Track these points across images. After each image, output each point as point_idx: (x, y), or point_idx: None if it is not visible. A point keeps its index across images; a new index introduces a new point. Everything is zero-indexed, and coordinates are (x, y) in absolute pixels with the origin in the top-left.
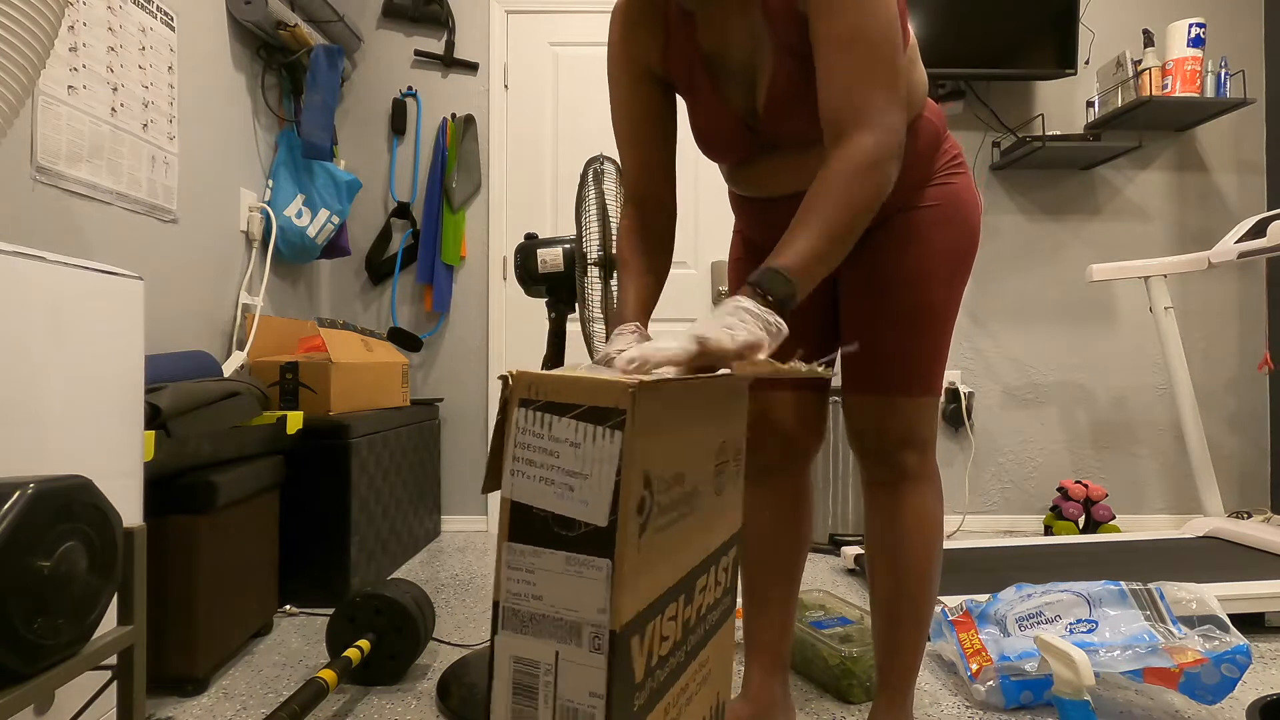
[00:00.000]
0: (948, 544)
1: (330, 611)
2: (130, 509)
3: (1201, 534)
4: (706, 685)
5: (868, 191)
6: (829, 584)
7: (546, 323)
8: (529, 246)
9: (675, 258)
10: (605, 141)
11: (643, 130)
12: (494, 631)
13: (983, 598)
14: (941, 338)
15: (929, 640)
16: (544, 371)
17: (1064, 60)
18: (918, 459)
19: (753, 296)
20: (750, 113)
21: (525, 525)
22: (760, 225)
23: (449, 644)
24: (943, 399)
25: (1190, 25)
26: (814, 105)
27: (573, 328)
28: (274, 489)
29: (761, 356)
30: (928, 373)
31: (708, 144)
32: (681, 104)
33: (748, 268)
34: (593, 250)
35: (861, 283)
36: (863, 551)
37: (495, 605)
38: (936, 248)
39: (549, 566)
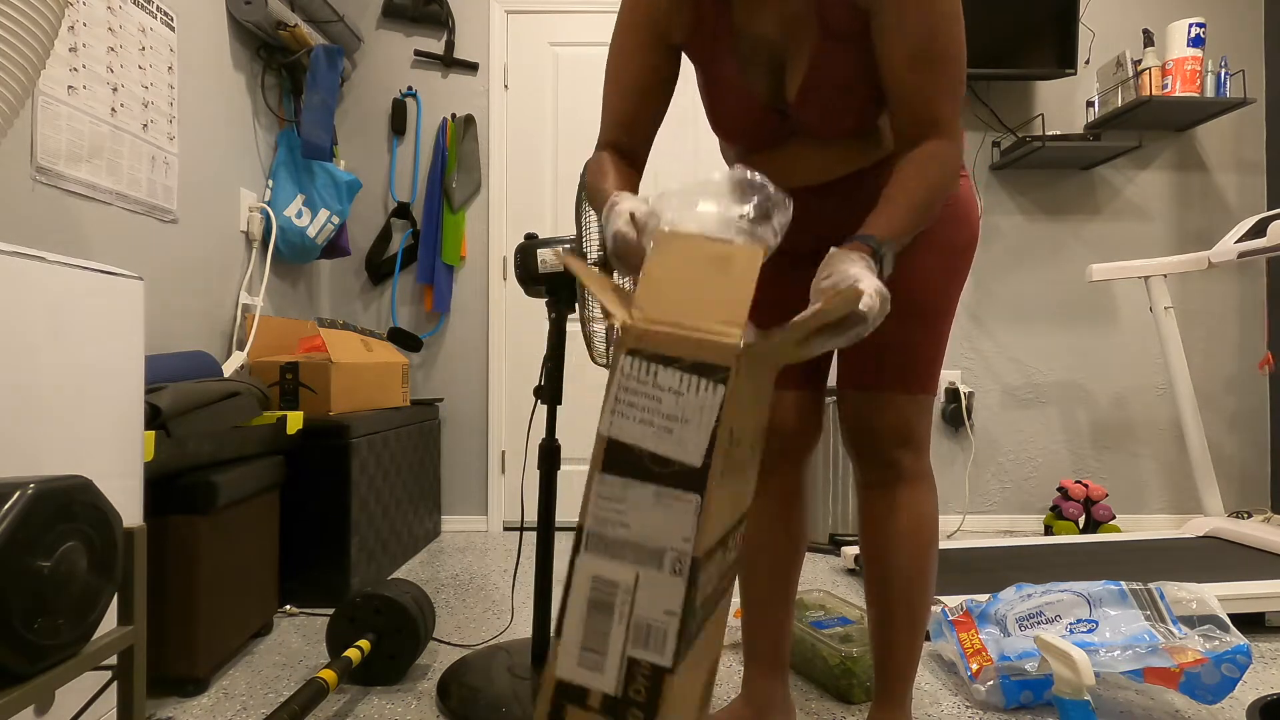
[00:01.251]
0: (948, 544)
1: (330, 611)
2: (130, 509)
3: (1201, 534)
4: (716, 641)
5: (944, 177)
6: (829, 584)
7: (546, 323)
8: (529, 246)
9: None
10: None
11: (639, 92)
12: (575, 554)
13: (983, 598)
14: (938, 335)
15: (929, 640)
16: (654, 326)
17: (1064, 60)
18: (912, 459)
19: (873, 259)
20: (777, 97)
21: (620, 460)
22: None
23: (449, 644)
24: (943, 399)
25: (1190, 25)
26: (852, 93)
27: (573, 328)
28: (274, 489)
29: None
30: (924, 370)
31: (726, 126)
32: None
33: (771, 267)
34: (593, 250)
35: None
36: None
37: (579, 530)
38: (935, 244)
39: (640, 498)
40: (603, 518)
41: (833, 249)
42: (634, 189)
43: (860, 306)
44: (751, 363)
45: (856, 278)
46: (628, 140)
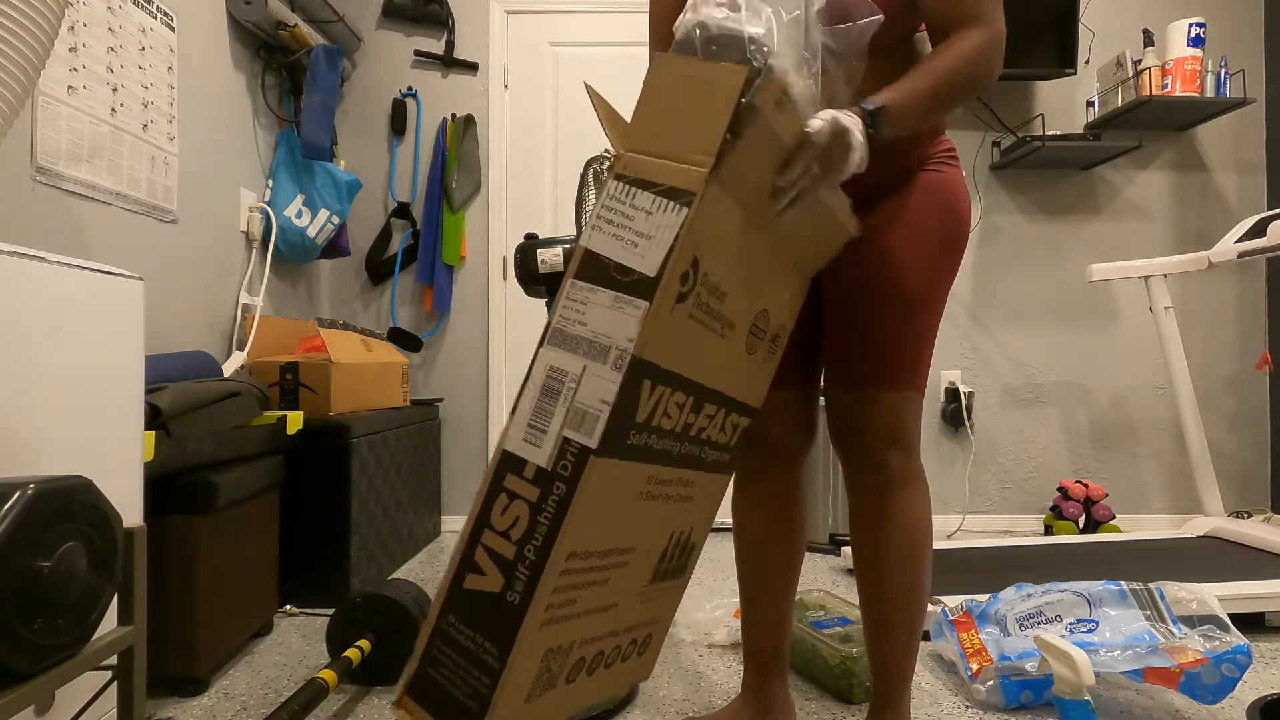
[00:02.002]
0: (948, 544)
1: (330, 611)
2: (130, 509)
3: (1201, 534)
4: (686, 505)
5: (977, 69)
6: (829, 584)
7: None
8: (529, 246)
9: None
10: (605, 141)
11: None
12: (539, 346)
13: (983, 598)
14: (926, 329)
15: (929, 640)
16: (641, 155)
17: (1064, 60)
18: (902, 459)
19: (864, 121)
20: None
21: (591, 268)
22: None
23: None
24: (942, 399)
25: (1190, 25)
26: (896, 9)
27: None
28: (274, 489)
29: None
30: (911, 366)
31: None
32: None
33: None
34: None
35: (845, 266)
36: None
37: (546, 327)
38: (924, 234)
39: (600, 300)
40: (567, 316)
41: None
42: None
43: (807, 128)
44: (728, 198)
45: (826, 113)
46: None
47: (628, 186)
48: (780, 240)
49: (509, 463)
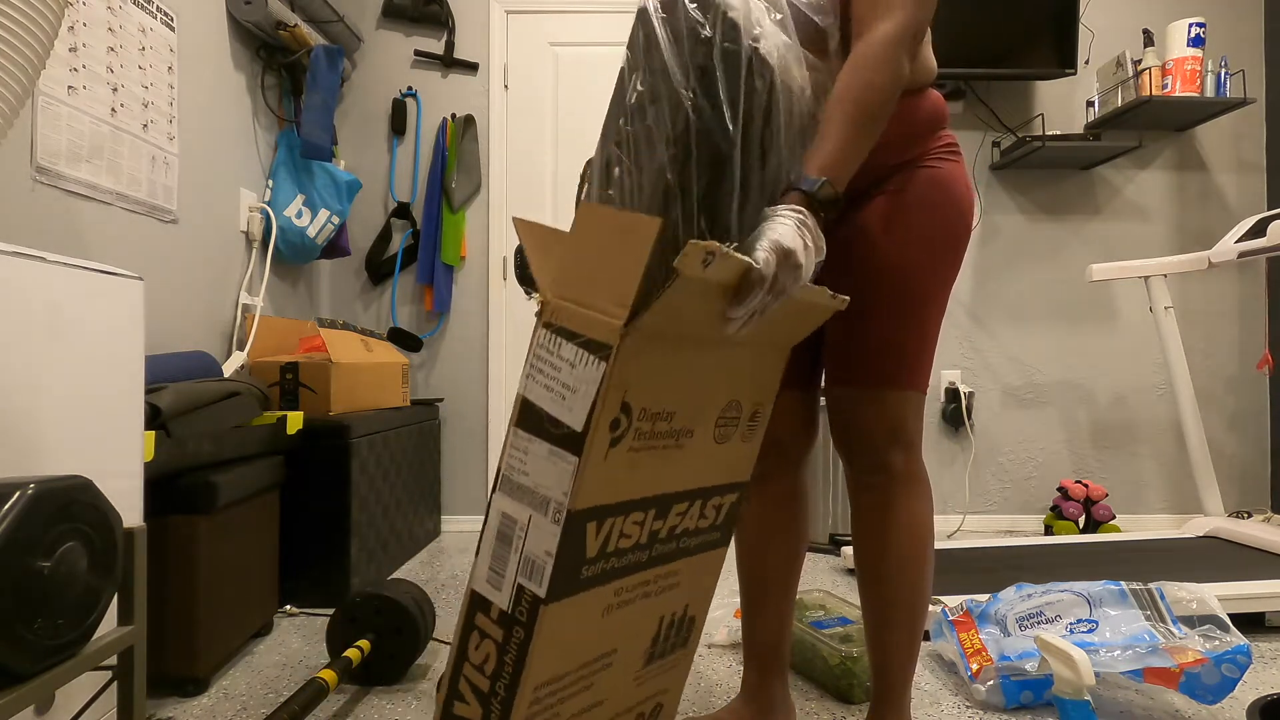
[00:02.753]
0: (948, 544)
1: (330, 611)
2: (130, 509)
3: (1201, 534)
4: (672, 591)
5: (882, 73)
6: (829, 584)
7: None
8: None
9: None
10: None
11: None
12: (492, 491)
13: (983, 598)
14: (927, 328)
15: (929, 640)
16: (565, 302)
17: (1064, 60)
18: (903, 458)
19: (809, 208)
20: None
21: (529, 418)
22: None
23: (449, 644)
24: (942, 399)
25: (1190, 25)
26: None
27: None
28: (274, 489)
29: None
30: (913, 364)
31: None
32: None
33: None
34: None
35: (844, 263)
36: None
37: (497, 473)
38: (923, 231)
39: (538, 452)
40: (512, 464)
41: (765, 209)
42: None
43: (752, 263)
44: (659, 338)
45: (767, 242)
46: None
47: (554, 335)
48: (741, 344)
49: (477, 602)
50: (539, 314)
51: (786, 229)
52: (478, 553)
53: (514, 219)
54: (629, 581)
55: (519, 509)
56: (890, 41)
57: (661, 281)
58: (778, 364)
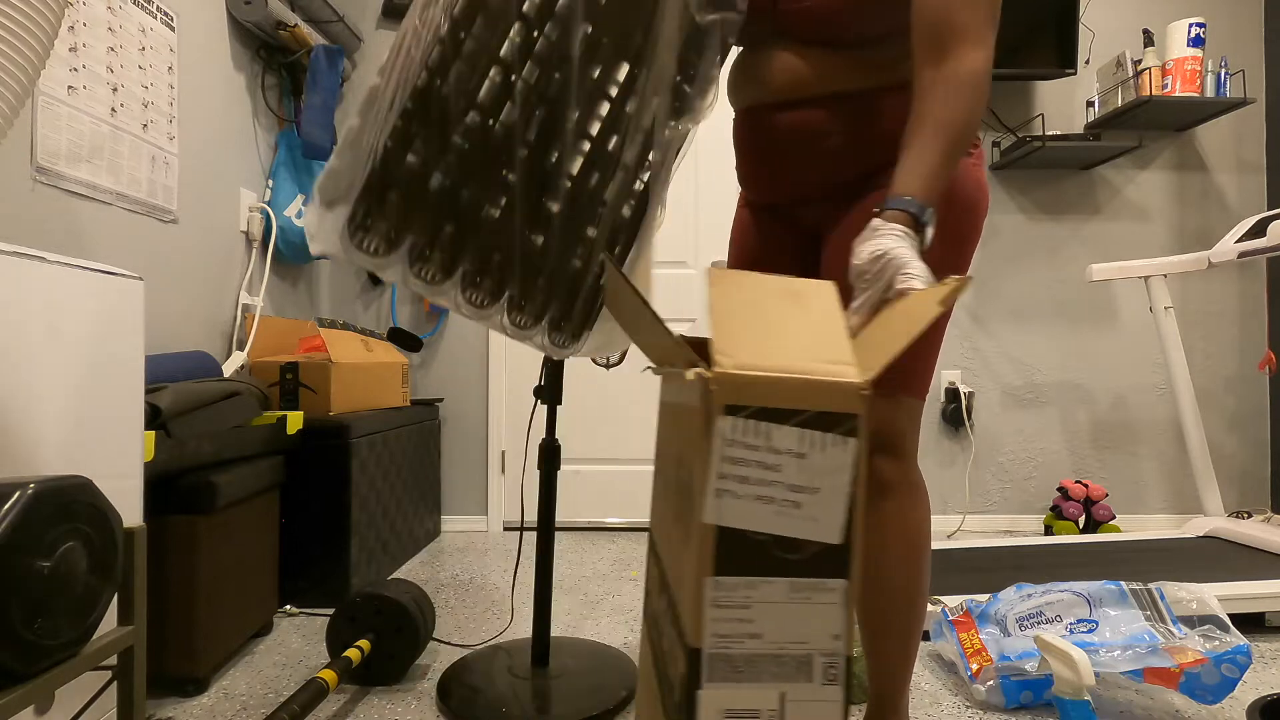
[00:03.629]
0: (948, 544)
1: (330, 611)
2: (130, 509)
3: (1201, 534)
4: None
5: (974, 98)
6: None
7: None
8: None
9: (674, 257)
10: None
11: None
12: (693, 686)
13: (983, 598)
14: (927, 334)
15: (929, 640)
16: (752, 371)
17: (1064, 60)
18: (894, 466)
19: (914, 230)
20: None
21: (737, 554)
22: (758, 147)
23: (449, 644)
24: (942, 399)
25: (1190, 25)
26: None
27: None
28: (274, 489)
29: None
30: (907, 369)
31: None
32: None
33: (753, 233)
34: None
35: (842, 265)
36: None
37: (695, 654)
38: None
39: (769, 597)
40: (725, 633)
41: (874, 220)
42: None
43: (854, 260)
44: None
45: (908, 268)
46: None
47: (752, 422)
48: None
49: None
50: (706, 397)
51: (916, 261)
52: None
53: (611, 271)
54: None
55: (757, 693)
56: (984, 72)
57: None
58: None
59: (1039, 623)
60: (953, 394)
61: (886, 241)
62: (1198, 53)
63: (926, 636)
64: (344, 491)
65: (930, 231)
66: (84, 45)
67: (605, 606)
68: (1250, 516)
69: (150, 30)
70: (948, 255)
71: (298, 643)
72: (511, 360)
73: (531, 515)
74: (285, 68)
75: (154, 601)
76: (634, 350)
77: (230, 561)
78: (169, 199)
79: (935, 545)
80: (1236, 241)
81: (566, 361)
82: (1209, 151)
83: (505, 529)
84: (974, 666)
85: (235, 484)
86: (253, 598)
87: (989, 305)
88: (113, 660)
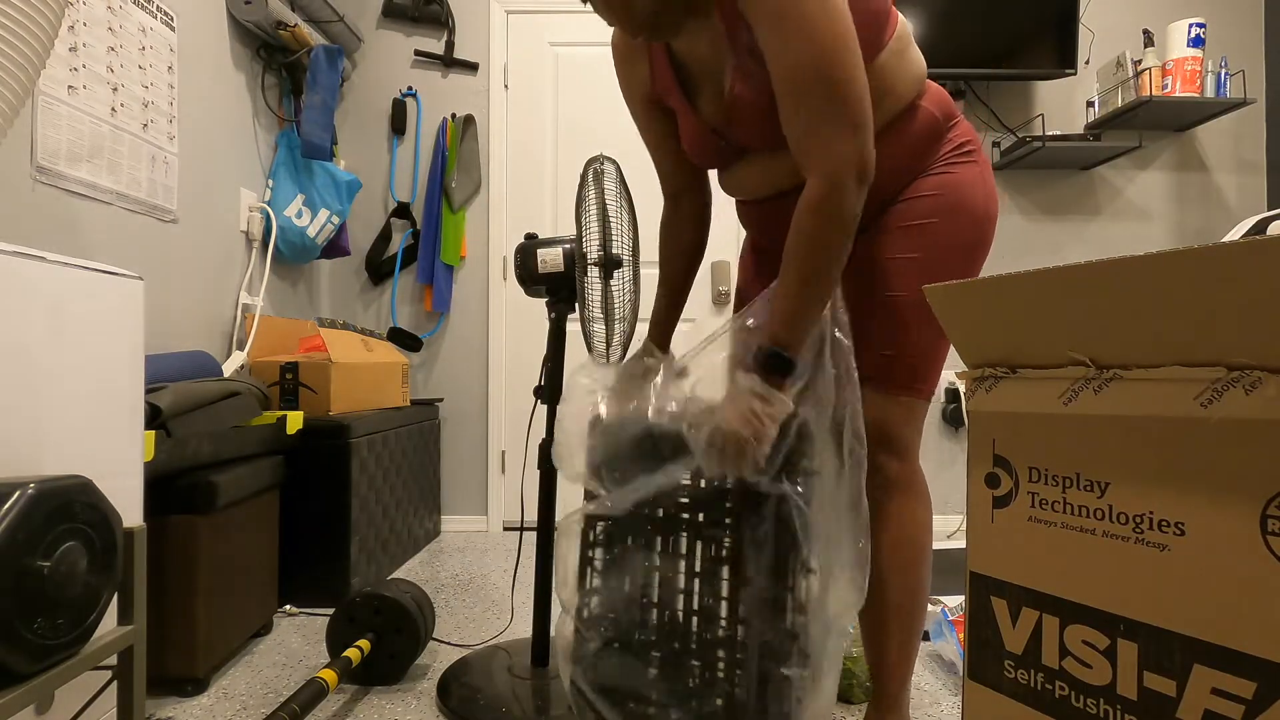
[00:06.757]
0: (948, 544)
1: (330, 611)
2: (130, 509)
3: None
4: None
5: (829, 229)
6: None
7: (546, 323)
8: (529, 246)
9: None
10: (605, 141)
11: (663, 142)
12: None
13: None
14: (932, 336)
15: (929, 640)
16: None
17: (1064, 60)
18: (896, 464)
19: (765, 380)
20: (722, 121)
21: None
22: (753, 224)
23: (449, 644)
24: (942, 399)
25: (1190, 25)
26: (773, 110)
27: (573, 327)
28: (274, 489)
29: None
30: (909, 368)
31: (690, 154)
32: None
33: (751, 265)
34: (593, 250)
35: (849, 273)
36: None
37: None
38: (929, 239)
39: None
40: None
41: (738, 375)
42: (681, 274)
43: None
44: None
45: (749, 455)
46: (679, 181)
47: None
48: None
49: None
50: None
51: (741, 391)
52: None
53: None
54: None
55: None
56: (824, 198)
57: None
58: None
59: None
60: (953, 394)
61: (736, 418)
62: (1198, 53)
63: (926, 636)
64: (344, 491)
65: (800, 367)
66: (84, 45)
67: None
68: None
69: (150, 30)
70: (959, 264)
71: (297, 642)
72: (511, 360)
73: (531, 515)
74: (285, 67)
75: (154, 601)
76: (635, 344)
77: (230, 561)
78: (169, 199)
79: (935, 545)
80: None
81: (566, 362)
82: (1209, 152)
83: (505, 529)
84: None
85: (235, 484)
86: (252, 597)
87: None
88: (112, 660)
